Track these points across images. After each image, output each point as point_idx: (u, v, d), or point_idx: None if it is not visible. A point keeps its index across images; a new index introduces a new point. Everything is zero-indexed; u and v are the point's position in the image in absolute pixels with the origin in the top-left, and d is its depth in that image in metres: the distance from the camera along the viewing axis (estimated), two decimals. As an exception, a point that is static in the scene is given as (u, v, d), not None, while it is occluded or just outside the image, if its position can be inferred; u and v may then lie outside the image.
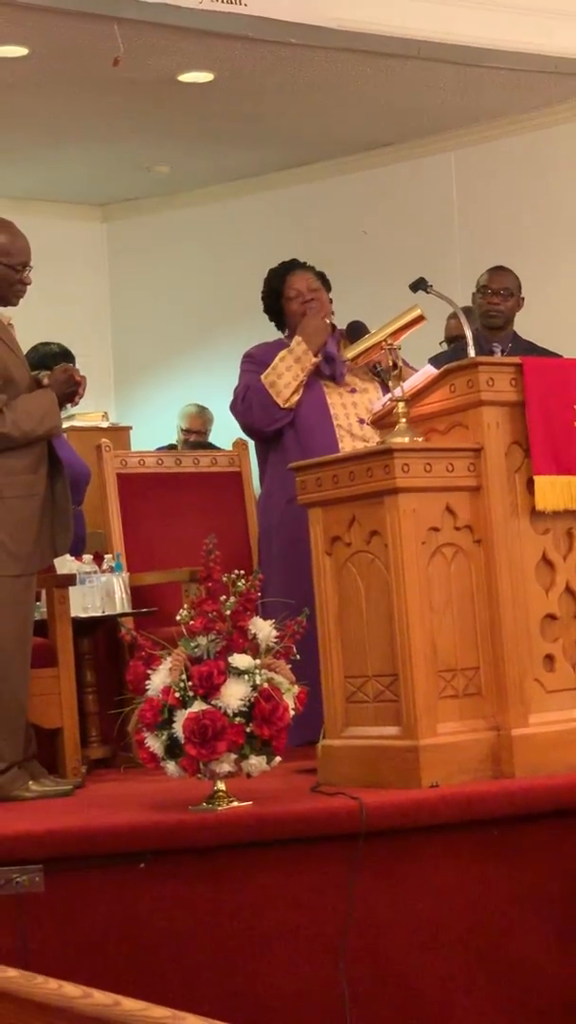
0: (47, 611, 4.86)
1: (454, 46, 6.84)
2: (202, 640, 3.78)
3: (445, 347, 6.32)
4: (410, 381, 4.21)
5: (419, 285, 4.51)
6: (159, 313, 8.97)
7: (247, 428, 5.14)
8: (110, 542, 5.63)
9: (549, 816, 3.74)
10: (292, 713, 3.75)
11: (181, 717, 3.69)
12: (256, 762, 3.73)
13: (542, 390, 4.04)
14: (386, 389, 4.70)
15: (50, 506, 4.42)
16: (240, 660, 3.74)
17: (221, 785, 3.78)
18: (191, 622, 3.81)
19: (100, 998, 1.78)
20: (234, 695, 3.69)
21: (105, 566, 5.21)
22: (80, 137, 7.81)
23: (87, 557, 5.23)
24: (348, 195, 8.43)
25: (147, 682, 3.79)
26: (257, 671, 3.73)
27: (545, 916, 3.71)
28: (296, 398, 5.00)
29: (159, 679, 3.77)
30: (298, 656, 3.84)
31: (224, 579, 3.83)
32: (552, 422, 4.04)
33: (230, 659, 3.74)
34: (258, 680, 3.72)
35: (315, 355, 5.00)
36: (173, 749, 3.72)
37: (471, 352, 4.38)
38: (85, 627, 5.14)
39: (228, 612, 3.79)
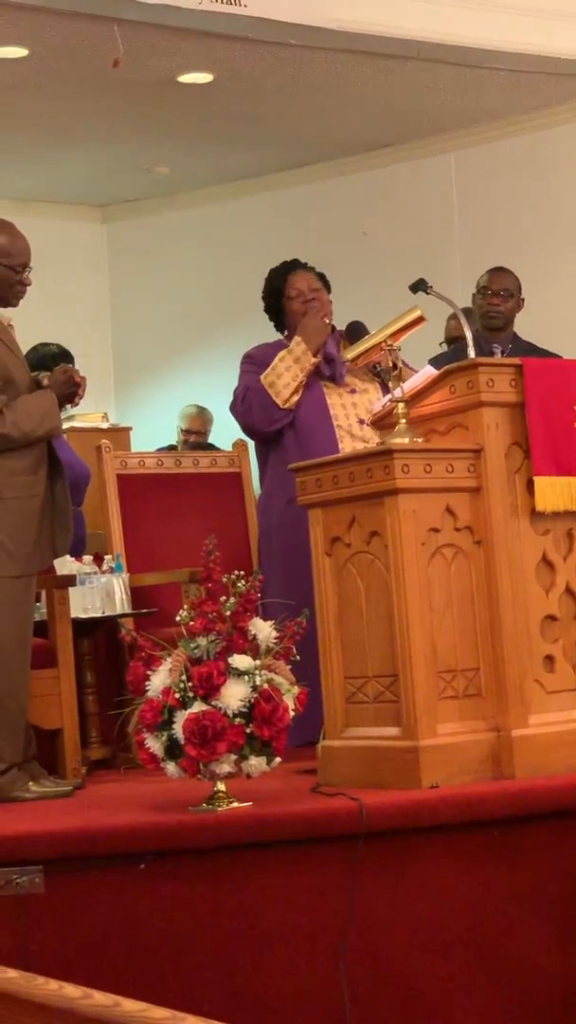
0: (47, 612, 4.87)
1: (454, 47, 6.84)
2: (202, 641, 3.79)
3: (445, 348, 6.32)
4: (410, 382, 4.21)
5: (419, 286, 4.51)
6: (159, 314, 8.97)
7: (247, 429, 5.14)
8: (110, 543, 5.63)
9: (549, 817, 3.74)
10: (292, 714, 3.75)
11: (181, 718, 3.69)
12: (256, 763, 3.73)
13: (542, 391, 4.04)
14: (386, 390, 4.70)
15: (50, 507, 4.42)
16: (240, 661, 3.74)
17: (221, 786, 3.78)
18: (191, 623, 3.81)
19: (100, 999, 1.78)
20: (234, 696, 3.69)
21: (105, 567, 5.21)
22: (80, 138, 7.81)
23: (87, 558, 5.23)
24: (348, 196, 8.43)
25: (147, 683, 3.79)
26: (257, 672, 3.74)
27: (545, 916, 3.71)
28: (295, 398, 5.00)
29: (159, 680, 3.77)
30: (298, 657, 3.85)
31: (224, 580, 3.83)
32: (552, 423, 4.04)
33: (230, 660, 3.74)
34: (258, 681, 3.72)
35: (314, 355, 5.01)
36: (173, 750, 3.73)
37: (471, 353, 4.38)
38: (85, 628, 5.14)
39: (228, 613, 3.79)
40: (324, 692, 4.10)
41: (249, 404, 5.03)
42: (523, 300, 5.76)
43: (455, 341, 6.18)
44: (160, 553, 5.64)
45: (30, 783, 4.33)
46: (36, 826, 3.72)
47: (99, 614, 5.15)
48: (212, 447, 7.30)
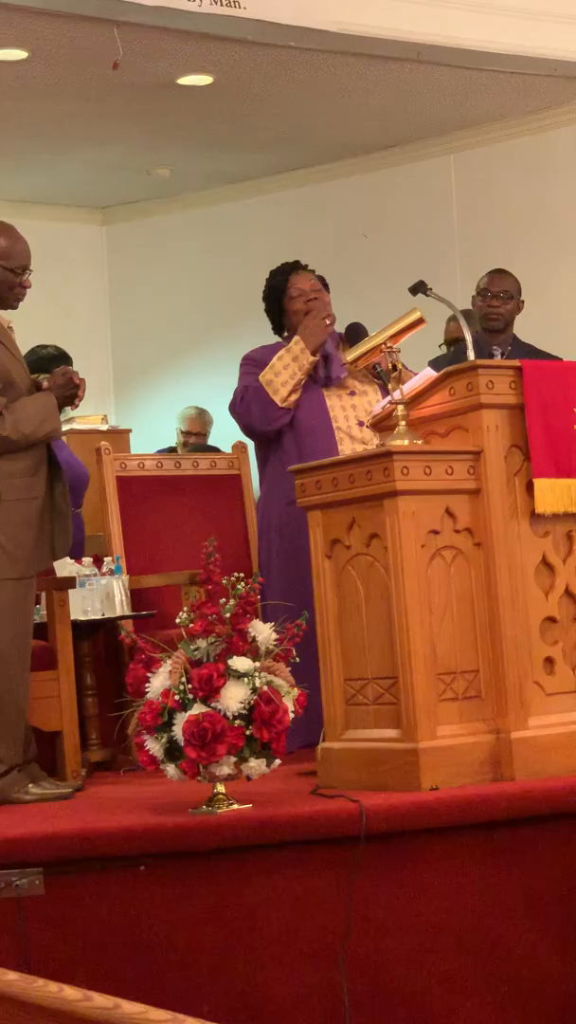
0: (47, 614, 4.87)
1: (453, 49, 6.84)
2: (202, 643, 3.79)
3: (445, 350, 6.32)
4: (410, 384, 4.21)
5: (419, 288, 4.51)
6: (159, 316, 8.97)
7: (246, 429, 5.14)
8: (110, 545, 5.63)
9: (549, 819, 3.74)
10: (292, 716, 3.75)
11: (181, 720, 3.69)
12: (256, 765, 3.73)
13: (541, 393, 4.04)
14: (386, 392, 4.70)
15: (50, 509, 4.42)
16: (240, 663, 3.74)
17: (221, 788, 3.78)
18: (191, 625, 3.81)
19: (100, 1001, 1.78)
20: (234, 698, 3.69)
21: (105, 569, 5.21)
22: (80, 140, 7.81)
23: (87, 560, 5.23)
24: (348, 198, 8.43)
25: (147, 685, 3.79)
26: (257, 674, 3.74)
27: (545, 919, 3.71)
28: (294, 398, 5.00)
29: (159, 682, 3.77)
30: (298, 659, 3.85)
31: (224, 582, 3.83)
32: (551, 425, 4.04)
33: (230, 662, 3.74)
34: (258, 683, 3.72)
35: (313, 354, 5.01)
36: (173, 752, 3.73)
37: (471, 355, 4.38)
38: (85, 630, 5.14)
39: (228, 615, 3.79)
40: (324, 694, 4.10)
41: (248, 403, 5.03)
42: (523, 302, 5.76)
43: (455, 343, 6.19)
44: (160, 555, 5.64)
45: (30, 785, 4.33)
46: (36, 828, 3.72)
47: (99, 616, 5.15)
48: (212, 449, 7.30)
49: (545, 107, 7.68)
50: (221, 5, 6.26)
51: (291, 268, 5.23)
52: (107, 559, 5.30)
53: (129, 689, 3.88)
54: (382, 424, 4.36)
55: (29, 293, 4.49)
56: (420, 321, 4.50)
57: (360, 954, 3.59)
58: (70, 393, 4.47)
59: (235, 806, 3.76)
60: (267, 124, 7.71)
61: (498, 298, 5.69)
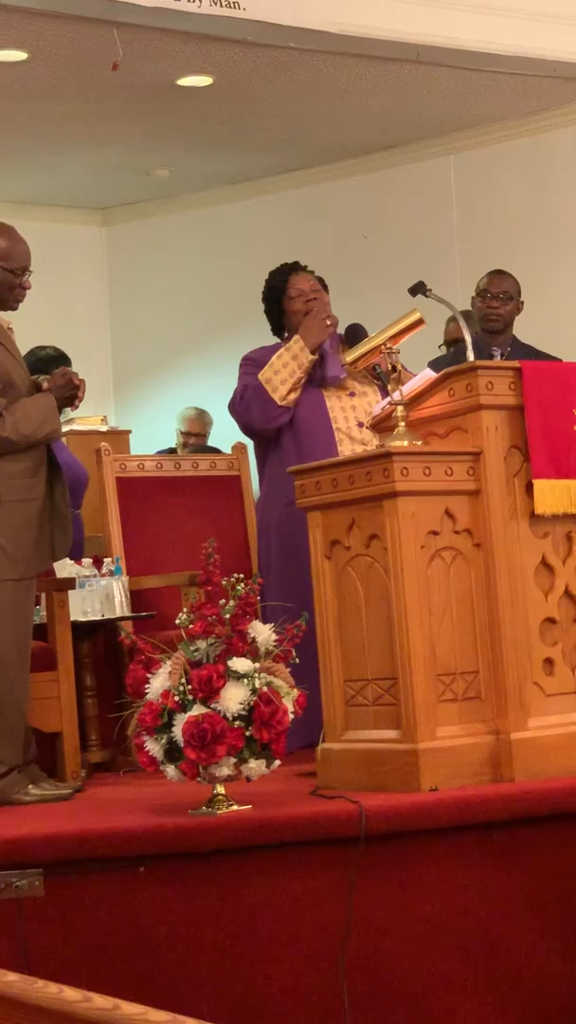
0: (46, 615, 4.87)
1: (453, 50, 6.84)
2: (201, 644, 3.79)
3: (444, 351, 6.32)
4: (409, 385, 4.21)
5: (418, 289, 4.51)
6: (158, 316, 8.97)
7: (245, 427, 5.14)
8: (109, 546, 5.63)
9: (548, 820, 3.74)
10: (291, 717, 3.75)
11: (180, 721, 3.69)
12: (255, 766, 3.73)
13: (541, 394, 4.04)
14: (385, 393, 4.70)
15: (49, 510, 4.42)
16: (239, 664, 3.74)
17: (220, 789, 3.79)
18: (190, 626, 3.81)
19: (100, 1002, 1.78)
20: (233, 699, 3.69)
21: (104, 570, 5.21)
22: (79, 141, 7.81)
23: (86, 561, 5.23)
24: (347, 199, 8.43)
25: (146, 686, 3.80)
26: (256, 675, 3.74)
27: (545, 919, 3.71)
28: (293, 396, 5.01)
29: (158, 683, 3.77)
30: (297, 660, 3.85)
31: (223, 583, 3.84)
32: (551, 426, 4.05)
33: (229, 663, 3.74)
34: (257, 684, 3.72)
35: (312, 353, 5.01)
36: (172, 753, 3.73)
37: (470, 356, 4.38)
38: (85, 631, 5.15)
39: (227, 616, 3.79)
40: (323, 695, 4.10)
41: (248, 402, 5.03)
42: (522, 303, 5.77)
43: (454, 344, 6.19)
44: (159, 556, 5.65)
45: (29, 786, 4.34)
46: (36, 829, 3.72)
47: (99, 617, 5.15)
48: (212, 450, 7.30)
49: (545, 108, 7.68)
50: (220, 6, 6.26)
51: (290, 269, 5.24)
52: (107, 560, 5.30)
53: (129, 690, 3.88)
54: (382, 425, 4.36)
55: (29, 294, 4.49)
56: (420, 322, 4.50)
57: (360, 955, 3.59)
58: (70, 394, 4.48)
59: (235, 807, 3.76)
60: (267, 125, 7.71)
61: (498, 299, 5.69)
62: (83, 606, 5.09)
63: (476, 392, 4.01)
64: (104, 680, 5.31)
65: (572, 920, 3.72)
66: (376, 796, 3.77)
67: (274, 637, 3.84)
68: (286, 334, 5.18)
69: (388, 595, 3.92)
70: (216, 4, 6.25)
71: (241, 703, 3.69)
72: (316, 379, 5.05)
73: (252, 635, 3.81)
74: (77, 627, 5.00)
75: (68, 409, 4.56)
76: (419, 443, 4.07)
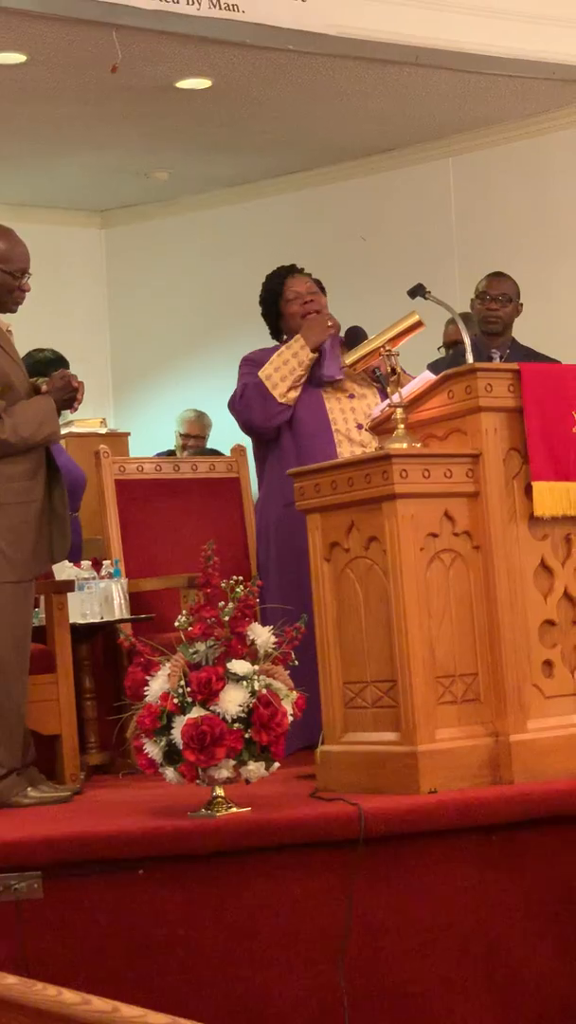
0: (46, 617, 4.87)
1: (452, 53, 6.85)
2: (201, 646, 3.79)
3: (443, 353, 6.32)
4: (408, 387, 4.21)
5: (417, 291, 4.52)
6: (158, 318, 8.97)
7: (246, 425, 5.13)
8: (108, 548, 5.63)
9: (548, 822, 3.74)
10: (290, 719, 3.75)
11: (180, 723, 3.69)
12: (255, 768, 3.73)
13: (540, 396, 4.04)
14: (384, 395, 4.70)
15: (48, 513, 4.42)
16: (239, 666, 3.74)
17: (220, 791, 3.78)
18: (190, 628, 3.81)
19: (99, 1005, 1.78)
20: (233, 701, 3.69)
21: (104, 572, 5.21)
22: (79, 143, 7.81)
23: (85, 563, 5.23)
24: (346, 201, 8.43)
25: (145, 688, 3.79)
26: (255, 677, 3.74)
27: (544, 921, 3.71)
28: (293, 394, 5.01)
29: (158, 685, 3.77)
30: (296, 662, 3.85)
31: (223, 585, 3.83)
32: (550, 428, 4.05)
33: (229, 665, 3.74)
34: (256, 686, 3.72)
35: (313, 352, 5.01)
36: (172, 755, 3.73)
37: (469, 358, 4.38)
38: (84, 633, 5.14)
39: (226, 618, 3.79)
40: (323, 697, 4.10)
41: (248, 400, 5.03)
42: (521, 305, 5.77)
43: (453, 346, 6.19)
44: (159, 558, 5.65)
45: (28, 789, 4.33)
46: (35, 832, 3.71)
47: (98, 619, 5.15)
48: (211, 452, 7.30)
49: (543, 111, 7.69)
50: (220, 9, 6.27)
51: (287, 272, 5.24)
52: (106, 562, 5.30)
53: (128, 692, 3.88)
54: (381, 427, 4.36)
55: (28, 296, 4.49)
56: (419, 324, 4.50)
57: (359, 956, 3.59)
58: (69, 396, 4.48)
59: (234, 809, 3.76)
60: (266, 127, 7.71)
61: (497, 301, 5.69)
62: (82, 608, 5.09)
63: (475, 394, 4.01)
64: (103, 682, 5.31)
65: (571, 921, 3.72)
66: (375, 798, 3.77)
67: (273, 639, 3.84)
68: (284, 337, 5.19)
69: (387, 597, 3.92)
70: (215, 7, 6.25)
71: (240, 705, 3.69)
72: (313, 378, 5.05)
73: (251, 637, 3.81)
74: (76, 629, 5.00)
75: (67, 411, 4.56)
76: (418, 445, 4.07)
